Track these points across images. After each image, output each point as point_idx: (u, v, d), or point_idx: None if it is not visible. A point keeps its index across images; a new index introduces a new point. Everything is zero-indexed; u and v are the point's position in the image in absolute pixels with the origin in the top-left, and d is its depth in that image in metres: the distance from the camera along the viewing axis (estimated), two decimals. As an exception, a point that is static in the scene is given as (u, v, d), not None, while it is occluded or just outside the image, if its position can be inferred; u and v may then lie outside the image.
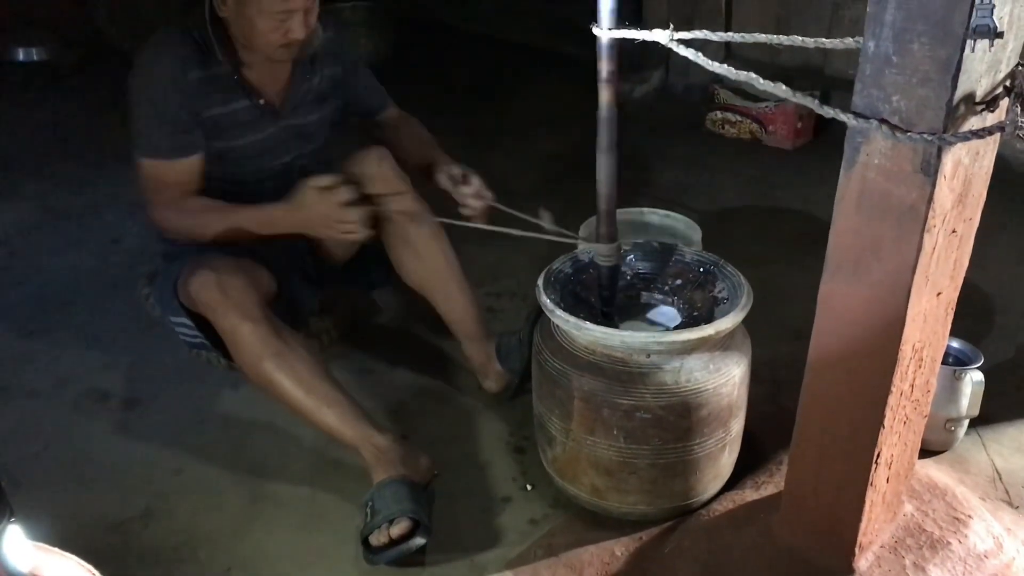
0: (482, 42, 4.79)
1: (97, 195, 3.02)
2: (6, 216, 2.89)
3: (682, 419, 1.53)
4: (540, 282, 1.64)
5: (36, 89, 4.05)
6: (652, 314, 1.74)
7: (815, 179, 3.11)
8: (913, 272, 1.18)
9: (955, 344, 1.82)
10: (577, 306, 1.66)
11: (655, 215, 2.18)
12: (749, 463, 1.74)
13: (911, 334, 1.25)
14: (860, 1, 3.43)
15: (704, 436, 1.56)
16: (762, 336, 1.70)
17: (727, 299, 1.64)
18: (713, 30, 1.33)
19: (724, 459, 1.64)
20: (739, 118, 3.51)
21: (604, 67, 1.48)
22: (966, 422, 1.81)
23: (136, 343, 2.22)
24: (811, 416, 1.37)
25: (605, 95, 1.50)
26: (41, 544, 1.08)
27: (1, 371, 2.12)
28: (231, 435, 1.91)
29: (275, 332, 1.70)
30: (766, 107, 3.43)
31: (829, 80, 3.59)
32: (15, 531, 0.99)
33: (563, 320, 1.53)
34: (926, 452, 1.76)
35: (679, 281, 1.75)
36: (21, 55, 4.10)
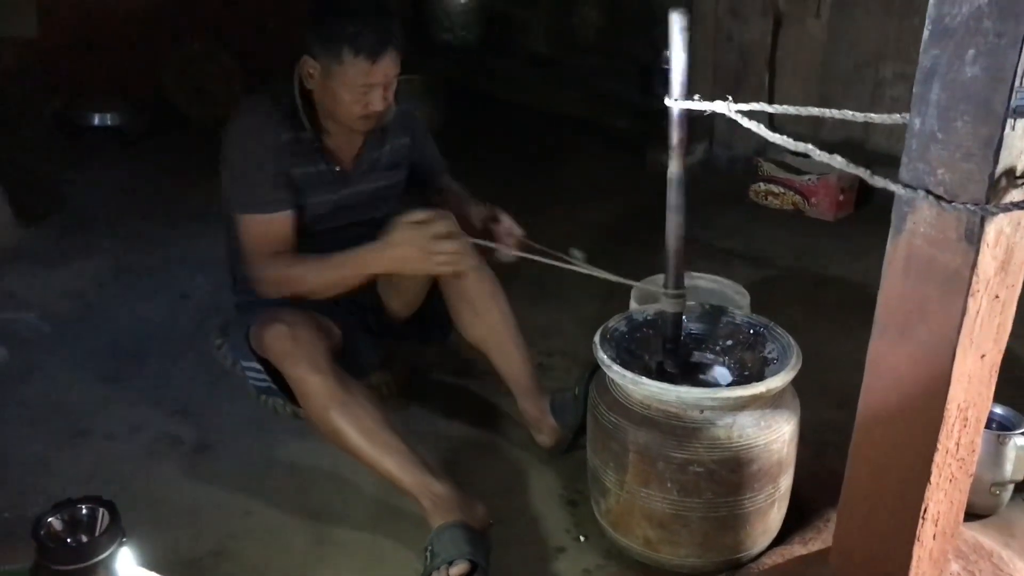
0: (531, 114, 4.95)
1: (168, 253, 3.17)
2: (84, 271, 3.03)
3: (734, 473, 1.59)
4: (597, 339, 1.73)
5: (109, 152, 4.26)
6: (704, 374, 1.81)
7: (857, 249, 3.18)
8: (958, 334, 1.24)
9: (999, 410, 1.86)
10: (632, 363, 1.74)
11: (703, 280, 2.26)
12: (796, 520, 1.78)
13: (956, 393, 1.31)
14: (901, 80, 3.55)
15: (755, 491, 1.62)
16: (808, 401, 1.75)
17: (776, 360, 1.71)
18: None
19: (773, 514, 1.69)
20: (782, 190, 3.60)
21: (674, 135, 1.60)
22: (1011, 487, 1.84)
23: (205, 393, 2.33)
24: (859, 472, 1.42)
25: (674, 160, 1.62)
26: (145, 570, 1.17)
27: (82, 414, 2.23)
28: (296, 481, 1.99)
29: (341, 383, 1.79)
30: (809, 180, 3.53)
31: (871, 155, 3.68)
32: (127, 553, 1.08)
33: (620, 375, 1.61)
34: (972, 516, 1.78)
35: (730, 342, 1.82)
36: (96, 120, 4.33)
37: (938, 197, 1.18)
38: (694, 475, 1.59)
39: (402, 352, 2.35)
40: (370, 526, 1.85)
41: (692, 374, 1.81)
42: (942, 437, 1.32)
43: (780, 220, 3.57)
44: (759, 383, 1.58)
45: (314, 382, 1.78)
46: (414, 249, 1.81)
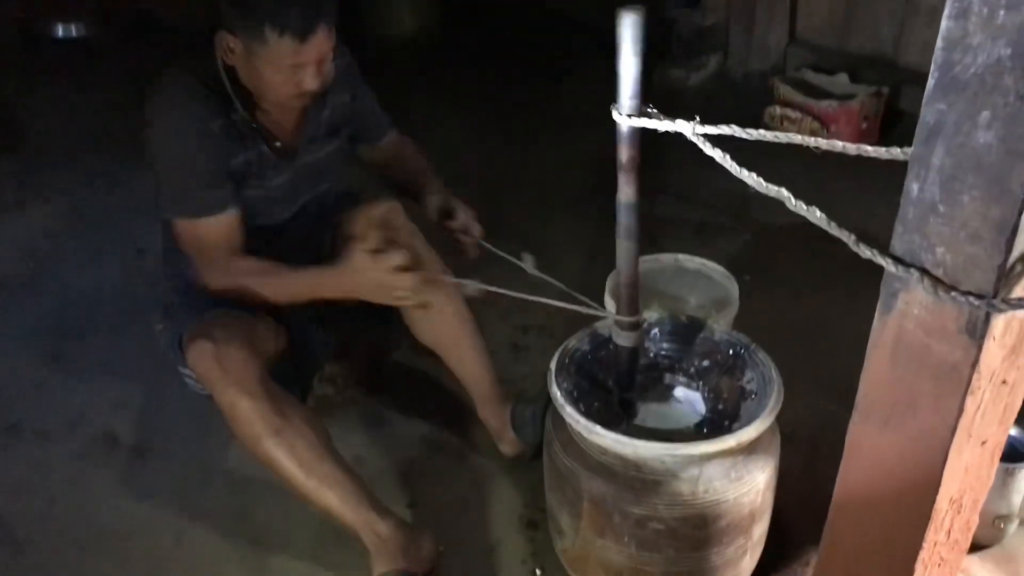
0: (524, 14, 4.56)
1: (130, 196, 2.95)
2: (34, 220, 2.85)
3: (698, 530, 1.42)
4: (553, 366, 1.53)
5: (74, 69, 3.92)
6: (674, 399, 1.62)
7: (878, 190, 2.87)
8: (953, 431, 1.04)
9: (1012, 431, 1.66)
10: (593, 392, 1.55)
11: (691, 262, 2.03)
12: (776, 556, 1.62)
13: (949, 488, 1.11)
14: (938, -9, 3.16)
15: (723, 545, 1.45)
16: (803, 390, 1.55)
17: (755, 393, 1.50)
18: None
19: (745, 562, 1.53)
20: (799, 115, 3.27)
21: (624, 153, 1.34)
22: (1017, 519, 1.66)
23: (151, 378, 2.16)
24: (833, 558, 1.25)
25: (624, 182, 1.36)
26: None
27: (15, 406, 2.09)
28: (235, 497, 1.85)
29: (275, 408, 1.61)
30: (828, 105, 3.20)
31: (902, 72, 3.33)
32: None
33: (573, 419, 1.42)
34: (972, 546, 1.62)
35: (706, 363, 1.62)
36: (60, 31, 3.98)
37: (935, 280, 0.95)
38: (654, 532, 1.42)
39: (361, 337, 2.15)
40: (311, 554, 1.72)
41: (662, 396, 1.62)
42: (930, 532, 1.14)
43: (794, 151, 3.25)
44: (729, 436, 1.38)
45: (244, 408, 1.59)
46: (371, 282, 1.65)
